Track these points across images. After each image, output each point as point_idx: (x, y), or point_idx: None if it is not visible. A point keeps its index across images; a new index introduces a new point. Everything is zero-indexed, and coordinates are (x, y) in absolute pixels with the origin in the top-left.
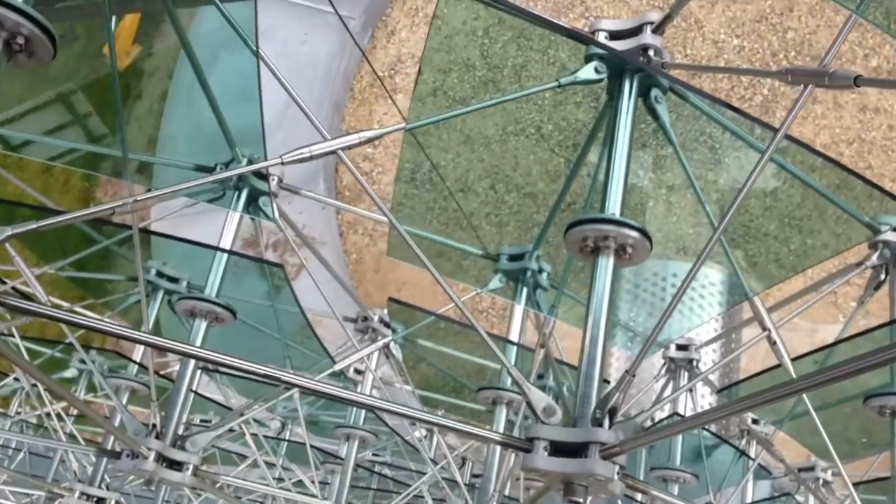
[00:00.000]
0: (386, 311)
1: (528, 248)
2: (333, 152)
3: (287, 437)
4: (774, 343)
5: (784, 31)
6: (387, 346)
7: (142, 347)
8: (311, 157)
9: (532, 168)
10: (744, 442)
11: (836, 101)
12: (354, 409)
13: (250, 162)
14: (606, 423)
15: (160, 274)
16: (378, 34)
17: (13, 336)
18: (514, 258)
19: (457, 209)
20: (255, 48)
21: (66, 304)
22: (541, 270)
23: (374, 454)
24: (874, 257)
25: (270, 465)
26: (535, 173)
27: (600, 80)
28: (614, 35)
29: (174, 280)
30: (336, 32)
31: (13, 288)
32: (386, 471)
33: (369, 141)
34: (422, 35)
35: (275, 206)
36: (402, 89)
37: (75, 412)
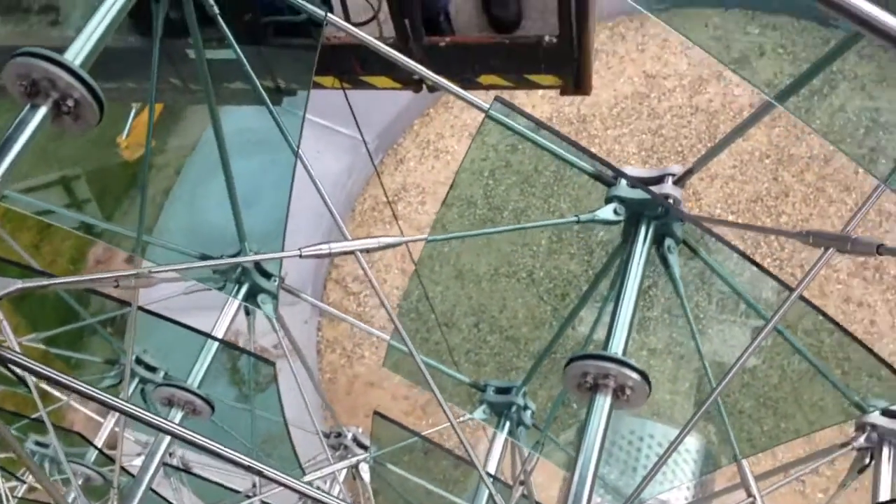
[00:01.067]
0: (360, 430)
1: (516, 382)
2: (352, 252)
3: None
4: None
5: (778, 214)
6: (357, 465)
7: (104, 435)
8: (331, 254)
9: (518, 312)
10: None
11: (822, 290)
12: None
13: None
14: None
15: (138, 361)
16: (387, 160)
17: None
18: (501, 391)
19: (438, 341)
20: (295, 148)
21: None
22: (526, 407)
23: None
24: (861, 439)
25: None
26: (520, 317)
27: (618, 222)
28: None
29: (152, 369)
30: (346, 153)
31: None
32: None
33: (388, 247)
34: (429, 167)
35: (278, 301)
36: (402, 217)
37: (19, 495)
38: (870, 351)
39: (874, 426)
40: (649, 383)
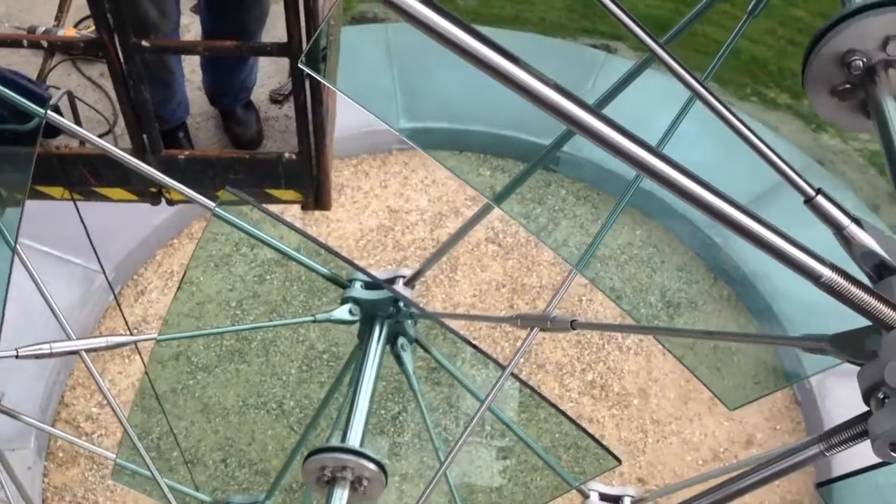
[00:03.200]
0: None
1: (258, 497)
2: (76, 352)
3: None
4: None
5: (515, 339)
6: None
7: None
8: (52, 355)
9: (268, 444)
10: None
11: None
12: None
13: None
14: None
15: None
16: (126, 292)
17: None
18: None
19: (182, 481)
20: (13, 244)
21: None
22: None
23: None
24: None
25: None
26: (270, 450)
27: (353, 322)
28: (370, 285)
29: None
30: (80, 284)
31: None
32: None
33: (116, 346)
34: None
35: None
36: (143, 350)
37: None
38: (576, 424)
39: None
40: (386, 474)
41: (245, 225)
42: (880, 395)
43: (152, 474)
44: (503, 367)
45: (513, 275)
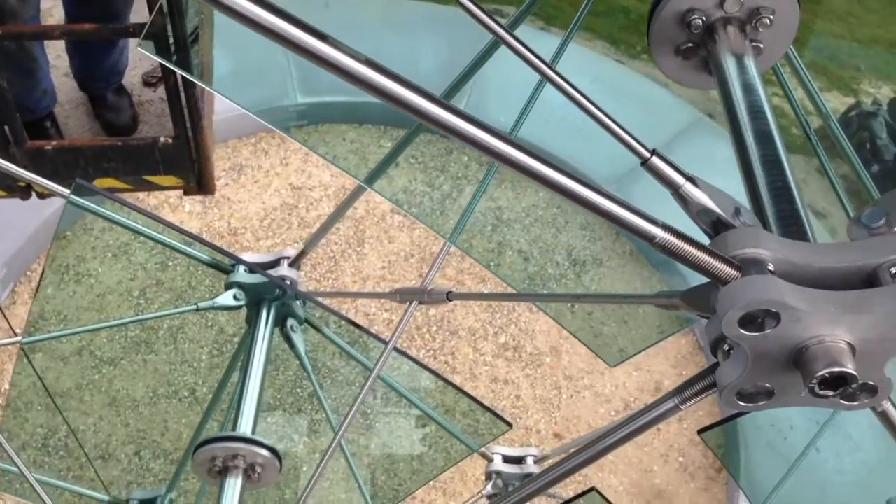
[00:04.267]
0: None
1: (160, 491)
2: None
3: None
4: None
5: (427, 309)
6: None
7: None
8: None
9: (183, 433)
10: None
11: (472, 372)
12: None
13: None
14: None
15: None
16: (20, 289)
17: None
18: (144, 502)
19: (94, 478)
20: None
21: None
22: None
23: None
24: (489, 487)
25: None
26: (185, 438)
27: (239, 307)
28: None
29: None
30: None
31: None
32: None
33: None
34: (70, 293)
35: None
36: (41, 348)
37: None
38: (462, 392)
39: (499, 473)
40: (280, 458)
41: (105, 212)
42: (725, 347)
43: (21, 471)
44: (385, 343)
45: (420, 244)
